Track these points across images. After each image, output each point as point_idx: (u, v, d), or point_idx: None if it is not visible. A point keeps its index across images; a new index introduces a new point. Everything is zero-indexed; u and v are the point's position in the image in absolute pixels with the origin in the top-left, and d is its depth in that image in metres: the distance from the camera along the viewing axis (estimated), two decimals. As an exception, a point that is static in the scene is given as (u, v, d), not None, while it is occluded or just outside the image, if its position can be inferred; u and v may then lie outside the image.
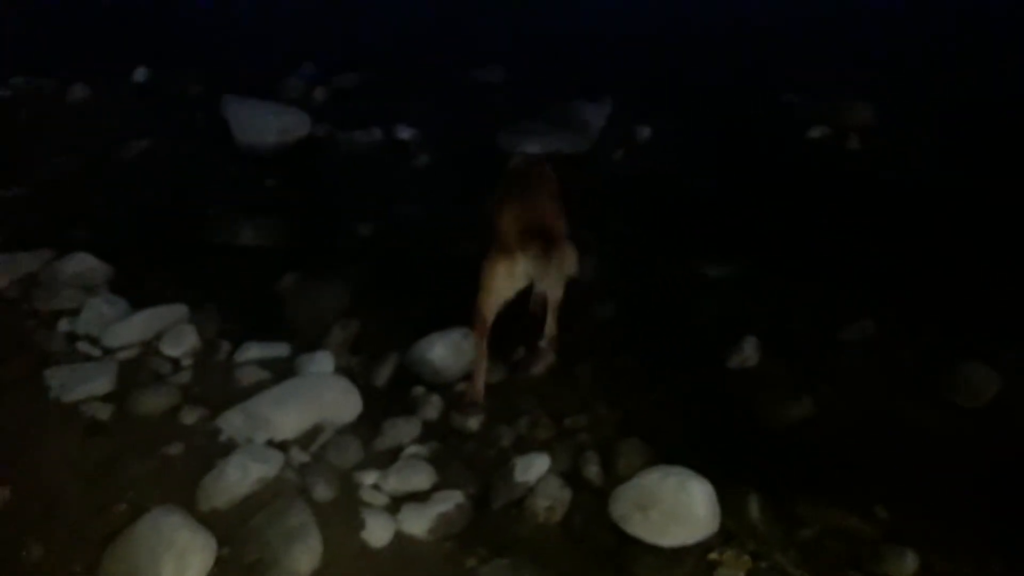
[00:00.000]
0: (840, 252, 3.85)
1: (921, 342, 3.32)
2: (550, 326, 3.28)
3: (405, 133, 4.93)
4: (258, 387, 3.10)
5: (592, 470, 2.80)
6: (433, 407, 3.08)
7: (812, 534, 2.54)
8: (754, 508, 2.64)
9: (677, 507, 2.53)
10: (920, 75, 5.39)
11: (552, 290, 3.14)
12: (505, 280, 2.95)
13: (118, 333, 3.34)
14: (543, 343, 3.30)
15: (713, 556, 2.48)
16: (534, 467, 2.75)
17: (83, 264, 3.75)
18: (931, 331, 3.37)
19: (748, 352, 3.28)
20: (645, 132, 4.87)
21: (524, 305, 3.58)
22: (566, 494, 2.70)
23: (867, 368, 3.22)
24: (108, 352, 3.30)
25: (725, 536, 2.52)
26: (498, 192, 3.23)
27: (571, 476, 2.78)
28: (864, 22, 6.32)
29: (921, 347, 3.29)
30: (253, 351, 3.32)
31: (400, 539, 2.57)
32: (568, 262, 2.96)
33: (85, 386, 3.05)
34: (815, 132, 4.80)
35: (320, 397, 2.99)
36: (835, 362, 3.26)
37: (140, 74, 5.53)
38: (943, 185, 4.25)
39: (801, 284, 3.66)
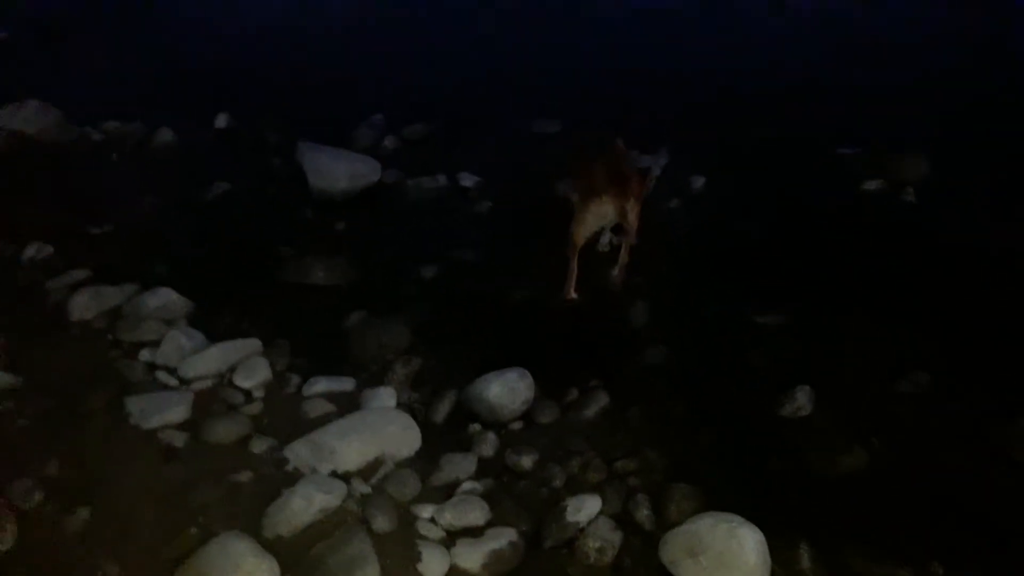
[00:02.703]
0: (894, 303, 3.84)
1: (976, 395, 3.29)
2: (623, 256, 4.13)
3: (468, 180, 5.11)
4: (324, 419, 3.24)
5: (643, 513, 2.85)
6: (489, 445, 3.18)
7: (863, 586, 2.54)
8: (805, 558, 2.66)
9: (727, 554, 2.56)
10: (977, 129, 5.35)
11: (628, 226, 3.96)
12: (593, 215, 3.92)
13: (195, 364, 3.53)
14: (615, 270, 4.16)
15: (762, 603, 2.50)
16: (585, 508, 2.82)
17: (165, 298, 3.96)
18: (986, 384, 3.34)
19: (801, 401, 3.30)
20: (699, 182, 4.96)
21: (573, 349, 3.68)
22: (617, 536, 2.76)
23: (922, 420, 3.21)
24: (185, 382, 3.49)
25: (775, 584, 2.54)
26: (575, 160, 4.19)
27: (622, 519, 2.84)
28: (922, 75, 6.31)
29: (976, 400, 3.26)
30: (320, 385, 3.48)
31: (455, 573, 2.66)
32: (638, 209, 3.92)
33: (162, 414, 3.23)
34: (870, 184, 4.81)
35: (382, 431, 3.12)
36: (889, 413, 3.25)
37: (222, 120, 5.84)
38: (999, 240, 4.21)
39: (855, 335, 3.66)
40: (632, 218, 3.93)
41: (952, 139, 5.27)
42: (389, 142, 5.60)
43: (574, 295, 4.08)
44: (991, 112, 5.64)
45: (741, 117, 5.68)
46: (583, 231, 3.98)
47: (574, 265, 4.05)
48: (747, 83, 6.28)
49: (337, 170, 5.01)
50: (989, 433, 3.10)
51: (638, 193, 3.96)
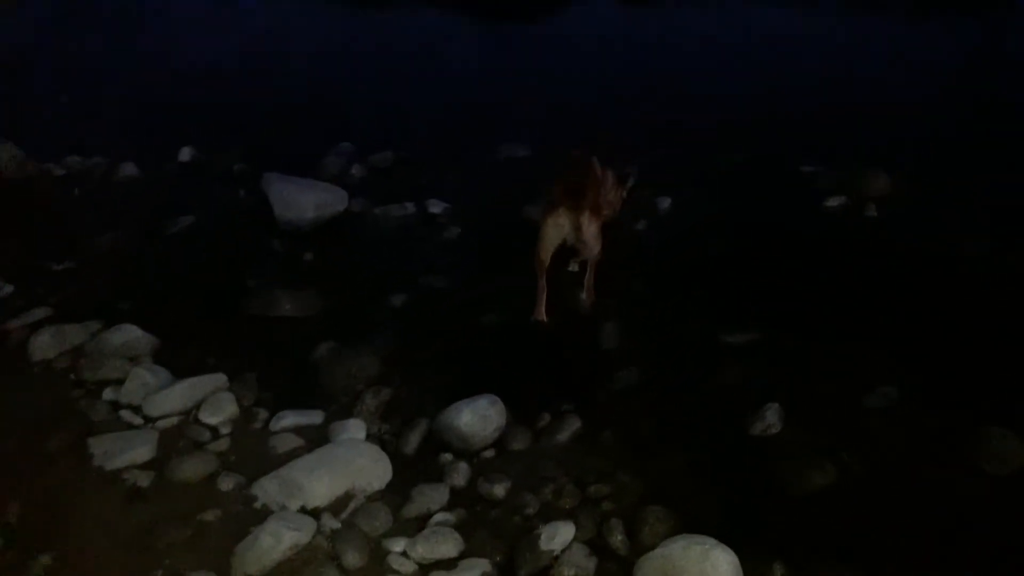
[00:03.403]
0: (860, 319, 3.88)
1: (945, 408, 3.31)
2: (589, 275, 4.12)
3: (436, 207, 5.11)
4: (293, 454, 3.20)
5: (617, 539, 2.83)
6: (460, 474, 3.15)
7: (837, 603, 2.54)
8: (778, 577, 2.65)
9: (701, 576, 2.54)
10: (937, 144, 5.47)
11: (587, 244, 3.94)
12: (552, 229, 3.91)
13: (160, 402, 3.47)
14: (583, 292, 4.14)
15: (737, 625, 2.49)
16: (559, 535, 2.79)
17: (129, 335, 3.90)
18: (954, 397, 3.37)
19: (771, 419, 3.30)
20: (665, 203, 5.00)
21: (545, 374, 3.68)
22: (591, 563, 2.73)
23: (891, 435, 3.22)
24: (150, 420, 3.43)
25: (749, 605, 2.53)
26: (556, 177, 4.14)
27: (596, 544, 2.81)
28: (883, 93, 6.45)
29: (945, 413, 3.29)
30: (288, 419, 3.43)
31: (427, 606, 2.62)
32: (596, 224, 3.90)
33: (126, 454, 3.17)
34: (833, 201, 4.88)
35: (351, 464, 3.08)
36: (859, 429, 3.26)
37: (186, 153, 5.81)
38: (962, 253, 4.28)
39: (822, 351, 3.69)
40: (587, 234, 3.87)
41: (912, 155, 5.38)
42: (356, 170, 5.60)
43: (544, 317, 4.04)
44: (950, 128, 5.77)
45: (705, 138, 5.77)
46: (545, 247, 3.95)
47: (543, 283, 4.03)
48: (711, 104, 6.38)
49: (304, 200, 4.98)
50: (959, 445, 3.12)
51: (595, 207, 3.92)
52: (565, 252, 4.12)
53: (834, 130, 5.87)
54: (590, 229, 3.88)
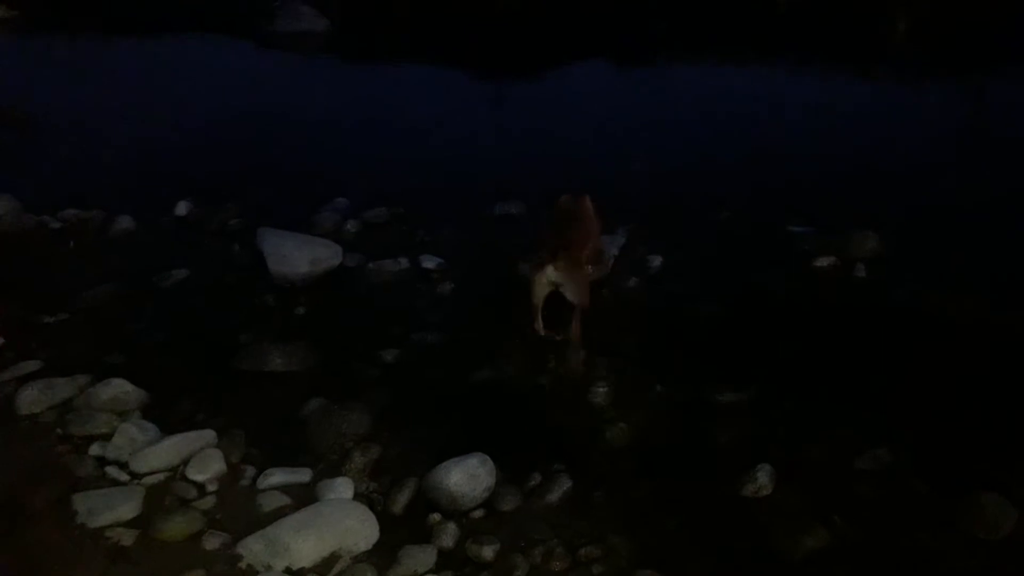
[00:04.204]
0: (851, 380, 3.89)
1: (937, 472, 3.31)
2: (575, 327, 4.27)
3: (430, 263, 5.13)
4: (279, 513, 3.17)
5: (607, 603, 2.79)
6: (449, 535, 3.11)
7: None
8: (771, 644, 2.61)
9: (692, 642, 2.51)
10: (925, 205, 5.54)
11: (575, 297, 4.21)
12: (539, 284, 4.21)
13: (147, 458, 3.44)
14: (570, 351, 4.26)
15: None
16: (549, 599, 2.76)
17: (118, 389, 3.87)
18: (946, 461, 3.36)
19: (763, 480, 3.29)
20: (656, 261, 5.04)
21: (536, 432, 3.66)
22: (581, 628, 2.69)
23: (883, 497, 3.21)
24: (136, 477, 3.39)
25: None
26: (548, 222, 4.52)
27: (586, 609, 2.78)
28: (871, 155, 6.56)
29: (937, 477, 3.28)
30: (276, 477, 3.41)
31: (412, 672, 2.56)
32: (584, 281, 4.26)
33: (111, 512, 3.14)
34: (822, 262, 4.92)
35: (338, 525, 3.05)
36: (850, 491, 3.25)
37: (182, 207, 5.84)
38: (952, 315, 4.31)
39: (813, 412, 3.69)
40: (573, 288, 4.17)
41: (901, 216, 5.44)
42: (351, 226, 5.63)
43: (542, 330, 4.30)
44: (939, 189, 5.85)
45: (696, 197, 5.83)
46: (536, 297, 4.26)
47: (538, 325, 4.31)
48: (701, 164, 6.48)
49: (298, 255, 5.01)
50: (952, 511, 3.11)
51: (578, 260, 4.25)
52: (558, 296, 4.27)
53: (822, 191, 5.94)
54: (575, 281, 4.19)
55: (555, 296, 4.26)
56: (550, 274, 4.17)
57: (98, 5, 11.52)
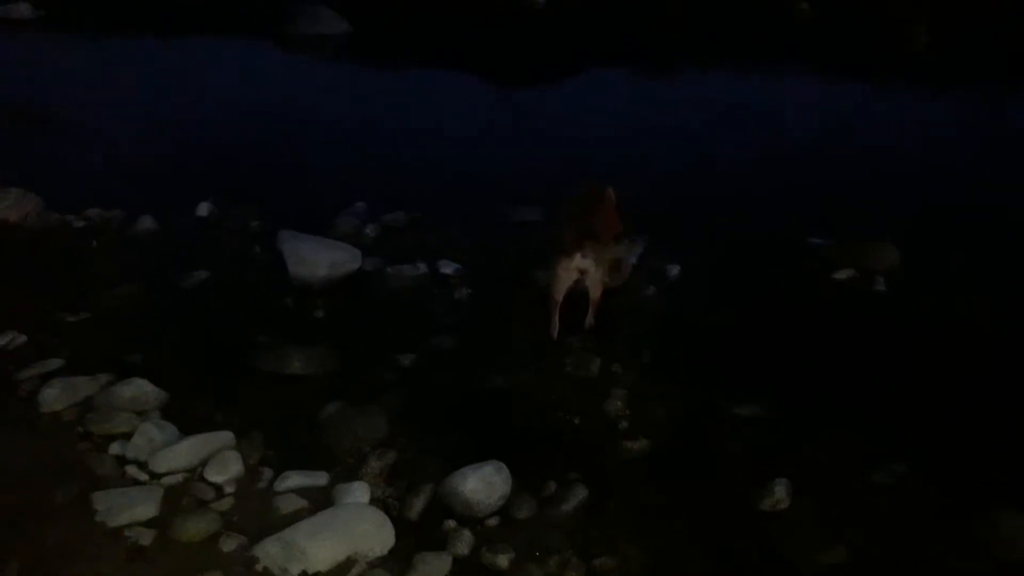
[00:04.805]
0: (870, 393, 3.88)
1: (955, 487, 3.29)
2: (591, 312, 4.38)
3: (448, 268, 5.16)
4: (296, 516, 3.18)
5: (621, 614, 2.79)
6: (464, 543, 3.11)
7: None
8: (786, 659, 2.60)
9: (706, 655, 2.51)
10: (945, 218, 5.51)
11: (597, 286, 4.31)
12: (565, 271, 4.23)
13: (166, 458, 3.47)
14: (588, 319, 4.41)
15: None
16: (563, 609, 2.76)
17: (138, 389, 3.90)
18: (965, 475, 3.35)
19: (780, 494, 3.28)
20: (675, 270, 5.04)
21: (552, 440, 3.66)
22: (594, 638, 2.69)
23: (900, 512, 3.20)
24: (155, 477, 3.41)
25: None
26: (566, 208, 4.59)
27: (600, 620, 2.78)
28: (892, 165, 6.53)
29: (955, 492, 3.27)
30: (293, 479, 3.42)
31: None
32: (605, 266, 4.32)
33: (130, 511, 3.16)
34: (841, 274, 4.90)
35: (354, 529, 3.06)
36: (867, 506, 3.24)
37: (203, 208, 5.89)
38: (970, 327, 4.29)
39: (831, 424, 3.68)
40: (598, 275, 4.25)
41: (921, 228, 5.42)
42: (371, 230, 5.66)
43: (555, 335, 4.34)
44: (959, 200, 5.82)
45: (715, 206, 5.83)
46: (558, 287, 4.30)
47: (555, 321, 4.34)
48: (720, 173, 6.47)
49: (318, 258, 5.04)
50: (969, 527, 3.09)
51: (606, 247, 4.30)
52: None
53: (841, 200, 5.93)
54: (596, 271, 4.26)
55: (568, 298, 4.30)
56: (578, 260, 4.17)
57: (121, 6, 11.65)
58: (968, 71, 9.13)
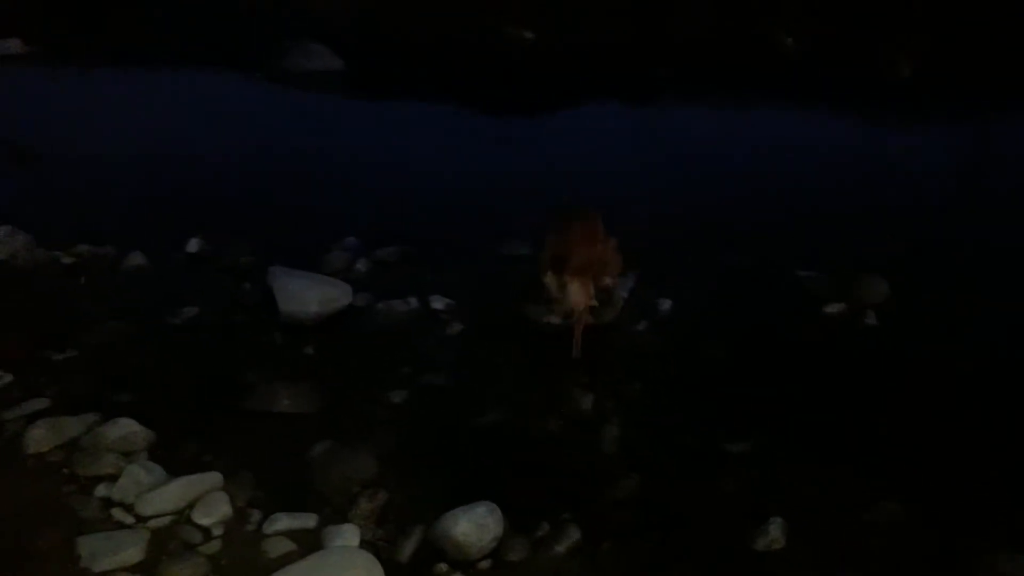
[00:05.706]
0: (862, 430, 3.87)
1: (950, 525, 3.27)
2: (576, 336, 4.44)
3: (439, 303, 5.14)
4: (285, 559, 3.13)
5: (615, 659, 2.75)
6: (455, 586, 3.08)
7: None
8: None
9: None
10: (935, 252, 5.55)
11: (574, 306, 4.41)
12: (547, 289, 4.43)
13: (152, 501, 3.41)
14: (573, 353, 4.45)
15: None
16: (556, 655, 2.71)
17: (125, 429, 3.85)
18: (960, 514, 3.33)
19: (775, 534, 3.25)
20: (666, 304, 5.04)
21: (544, 480, 3.63)
22: None
23: (895, 552, 3.17)
24: (141, 520, 3.36)
25: None
26: (551, 230, 4.76)
27: (594, 665, 2.73)
28: (882, 199, 6.58)
29: (950, 531, 3.24)
30: (282, 522, 3.37)
31: None
32: (583, 289, 4.42)
33: (115, 556, 3.10)
34: (832, 308, 4.92)
35: (344, 573, 3.01)
36: (862, 545, 3.21)
37: (193, 244, 5.87)
38: (962, 362, 4.30)
39: (824, 461, 3.66)
40: (570, 294, 4.37)
41: (911, 262, 5.45)
42: (362, 265, 5.65)
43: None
44: (950, 234, 5.86)
45: (705, 240, 5.85)
46: (556, 309, 4.55)
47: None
48: (709, 207, 6.50)
49: (308, 294, 5.02)
50: (966, 567, 3.07)
51: (575, 270, 4.39)
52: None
53: (831, 234, 5.97)
54: (574, 288, 4.39)
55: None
56: (548, 283, 4.41)
57: (112, 43, 11.70)
58: (953, 102, 9.24)
